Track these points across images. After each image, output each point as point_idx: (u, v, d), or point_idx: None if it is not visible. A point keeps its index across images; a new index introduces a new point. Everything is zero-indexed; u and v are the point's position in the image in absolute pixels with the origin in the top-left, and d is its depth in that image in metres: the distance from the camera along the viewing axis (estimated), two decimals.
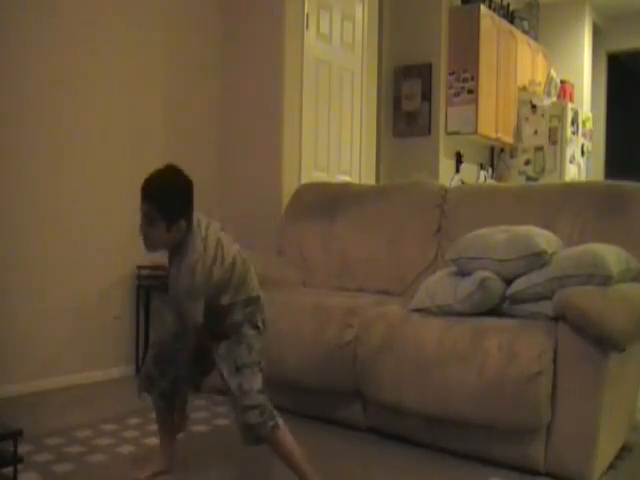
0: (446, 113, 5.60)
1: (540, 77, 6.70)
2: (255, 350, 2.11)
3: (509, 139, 6.26)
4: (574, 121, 6.38)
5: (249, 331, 2.12)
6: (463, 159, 5.92)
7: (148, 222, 1.97)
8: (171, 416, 2.28)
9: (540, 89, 6.60)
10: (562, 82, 6.61)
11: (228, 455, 2.47)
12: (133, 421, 2.83)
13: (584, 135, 6.67)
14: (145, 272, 3.72)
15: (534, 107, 6.29)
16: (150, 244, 2.03)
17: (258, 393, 2.04)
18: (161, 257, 3.80)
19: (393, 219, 3.35)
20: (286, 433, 2.06)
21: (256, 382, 2.06)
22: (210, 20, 4.21)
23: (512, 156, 6.43)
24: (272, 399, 2.07)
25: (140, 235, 2.01)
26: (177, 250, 2.02)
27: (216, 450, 2.53)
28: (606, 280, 2.28)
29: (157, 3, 3.86)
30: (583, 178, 6.56)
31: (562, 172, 6.19)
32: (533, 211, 2.91)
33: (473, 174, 6.13)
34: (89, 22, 3.49)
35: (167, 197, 1.97)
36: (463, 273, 2.59)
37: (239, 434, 2.06)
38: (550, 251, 2.44)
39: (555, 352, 2.23)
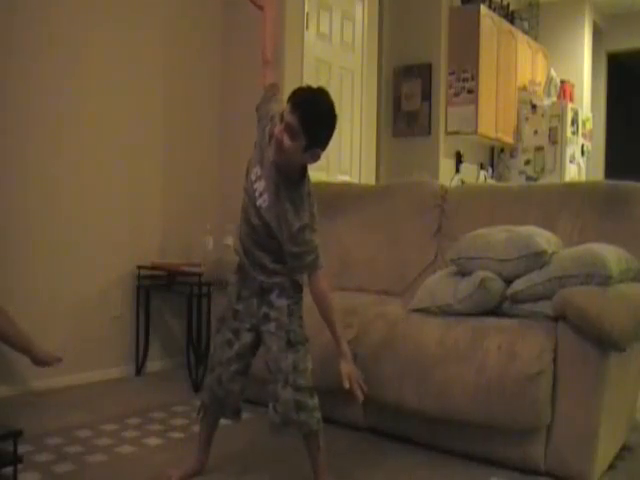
0: (446, 113, 5.60)
1: (540, 77, 6.70)
2: (303, 325, 2.01)
3: (509, 139, 6.26)
4: (574, 121, 6.37)
5: (297, 294, 2.03)
6: (463, 159, 5.92)
7: (290, 133, 1.88)
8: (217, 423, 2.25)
9: (540, 89, 6.60)
10: (562, 82, 6.61)
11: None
12: (133, 421, 2.83)
13: (584, 135, 6.67)
14: (145, 272, 3.72)
15: (534, 107, 6.29)
16: (281, 154, 1.92)
17: (311, 375, 1.96)
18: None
19: (393, 219, 3.35)
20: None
21: (310, 362, 1.97)
22: (210, 20, 4.21)
23: (512, 156, 6.43)
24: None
25: (274, 140, 1.91)
26: (291, 184, 1.95)
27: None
28: (606, 280, 2.28)
29: (157, 3, 3.86)
30: (583, 178, 6.56)
31: (562, 172, 6.19)
32: (533, 211, 2.91)
33: (473, 174, 6.13)
34: (89, 24, 3.49)
35: (316, 119, 1.89)
36: (463, 273, 2.59)
37: (278, 417, 1.95)
38: (550, 251, 2.44)
39: (555, 352, 2.23)
